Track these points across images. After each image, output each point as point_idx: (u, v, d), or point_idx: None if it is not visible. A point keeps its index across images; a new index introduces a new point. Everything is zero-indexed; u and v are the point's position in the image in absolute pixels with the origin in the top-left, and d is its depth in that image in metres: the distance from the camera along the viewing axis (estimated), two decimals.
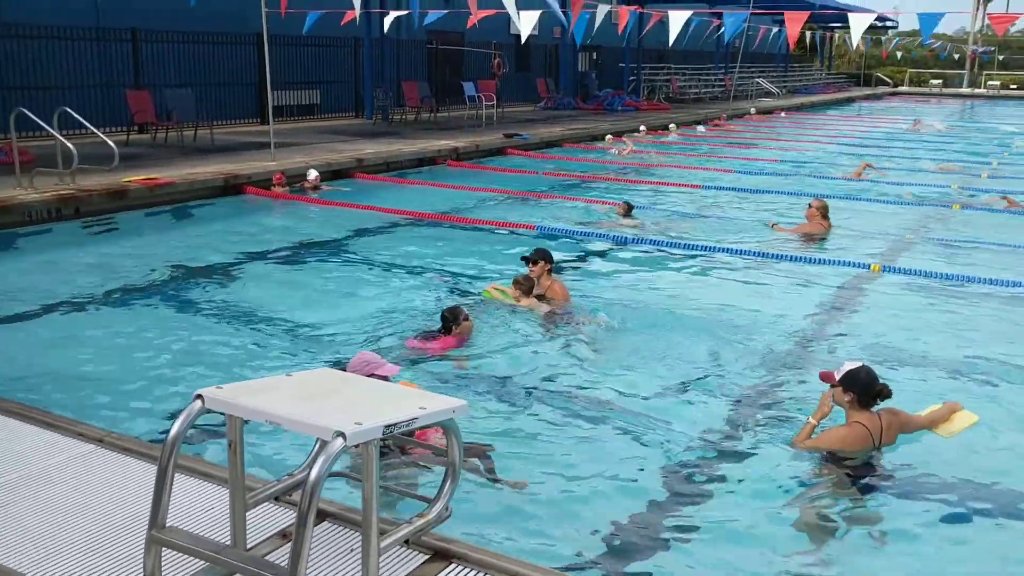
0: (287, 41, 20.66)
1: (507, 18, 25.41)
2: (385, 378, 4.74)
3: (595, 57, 35.52)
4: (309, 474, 2.62)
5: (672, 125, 23.20)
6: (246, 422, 2.96)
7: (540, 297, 7.33)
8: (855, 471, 4.64)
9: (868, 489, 4.53)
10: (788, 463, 4.78)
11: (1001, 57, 61.07)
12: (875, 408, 4.84)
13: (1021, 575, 4.02)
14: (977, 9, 57.53)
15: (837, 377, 4.82)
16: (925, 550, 4.10)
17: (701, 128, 24.65)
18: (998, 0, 69.04)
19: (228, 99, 20.22)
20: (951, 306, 8.03)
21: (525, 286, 7.23)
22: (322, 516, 3.43)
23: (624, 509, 4.30)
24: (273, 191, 12.65)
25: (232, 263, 9.13)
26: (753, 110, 31.00)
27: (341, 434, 2.63)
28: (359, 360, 4.68)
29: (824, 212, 10.79)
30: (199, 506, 3.53)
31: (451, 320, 6.39)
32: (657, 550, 3.98)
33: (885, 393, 4.84)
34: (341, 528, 3.39)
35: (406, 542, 3.18)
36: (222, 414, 2.98)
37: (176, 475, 2.90)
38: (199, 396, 2.90)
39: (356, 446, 2.68)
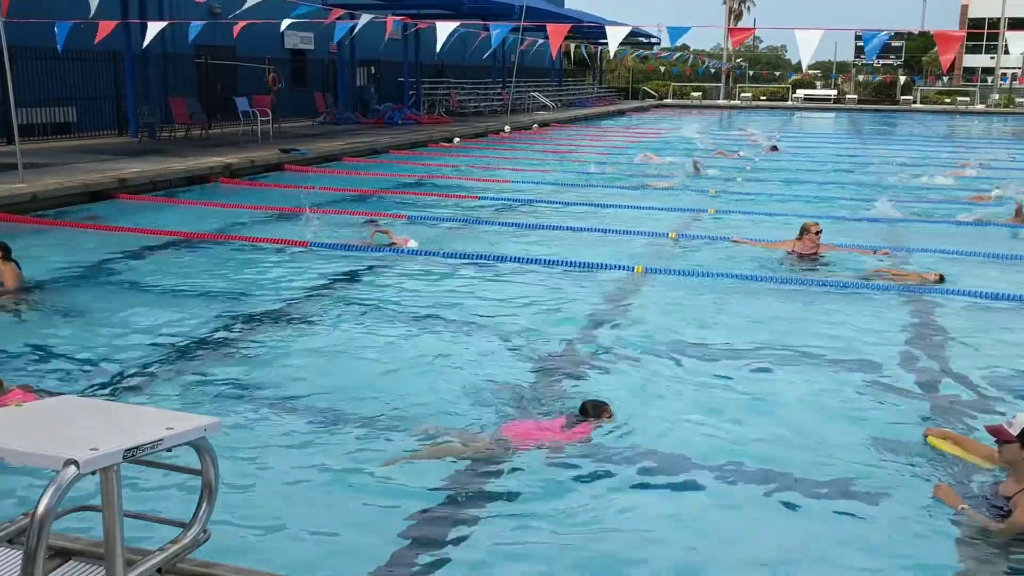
0: (34, 54, 19.15)
1: (280, 32, 24.88)
2: None
3: (373, 72, 35.41)
4: (36, 509, 2.42)
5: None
6: None
7: None
8: None
9: None
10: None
11: (752, 72, 66.64)
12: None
13: None
14: (728, 26, 62.42)
15: (1015, 433, 4.19)
16: None
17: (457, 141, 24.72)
18: (747, 17, 75.30)
19: None
20: (713, 301, 8.59)
21: None
22: (67, 555, 3.18)
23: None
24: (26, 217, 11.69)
25: None
26: (508, 128, 28.89)
27: (73, 462, 2.45)
28: None
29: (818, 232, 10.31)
30: None
31: (592, 414, 5.52)
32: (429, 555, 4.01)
33: None
34: (89, 566, 3.15)
35: (159, 571, 3.00)
36: None
37: None
38: None
39: (94, 473, 2.51)
